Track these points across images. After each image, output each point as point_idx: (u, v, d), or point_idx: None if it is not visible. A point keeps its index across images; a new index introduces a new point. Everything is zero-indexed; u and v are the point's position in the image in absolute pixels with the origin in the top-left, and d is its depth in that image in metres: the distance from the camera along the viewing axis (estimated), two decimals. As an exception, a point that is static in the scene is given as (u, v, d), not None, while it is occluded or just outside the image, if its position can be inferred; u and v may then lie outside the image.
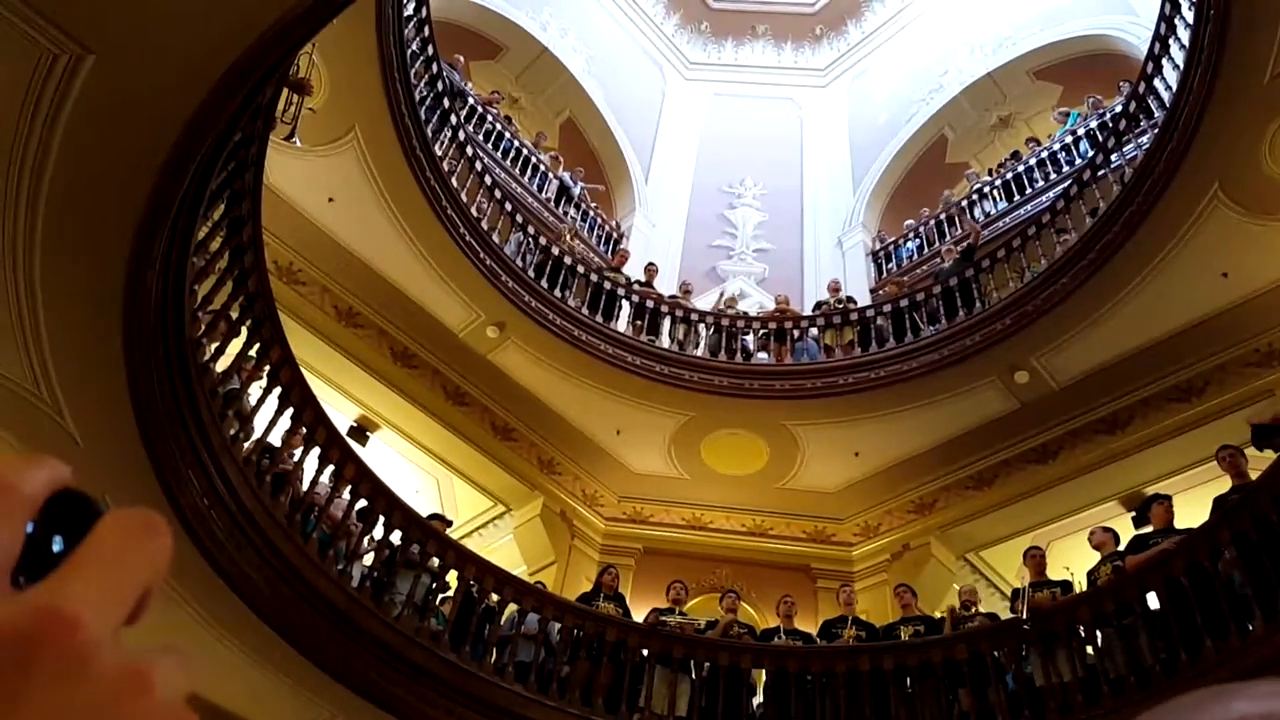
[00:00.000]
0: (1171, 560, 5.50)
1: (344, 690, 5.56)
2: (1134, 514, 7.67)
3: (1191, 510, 6.44)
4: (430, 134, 8.25)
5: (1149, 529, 6.57)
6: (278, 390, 5.85)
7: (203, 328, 5.25)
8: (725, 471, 9.83)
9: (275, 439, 5.90)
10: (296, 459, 5.96)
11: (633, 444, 9.84)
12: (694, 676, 6.63)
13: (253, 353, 5.74)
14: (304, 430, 5.95)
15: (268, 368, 5.79)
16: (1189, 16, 6.93)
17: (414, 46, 8.26)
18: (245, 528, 5.18)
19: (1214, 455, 6.41)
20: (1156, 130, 7.34)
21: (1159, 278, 7.47)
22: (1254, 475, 5.86)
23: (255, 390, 5.91)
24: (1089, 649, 5.82)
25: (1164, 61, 7.72)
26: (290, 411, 5.90)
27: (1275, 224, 6.96)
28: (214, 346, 5.36)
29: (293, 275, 8.39)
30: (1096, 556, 6.75)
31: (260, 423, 5.79)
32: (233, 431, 5.40)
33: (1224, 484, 6.28)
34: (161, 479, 4.80)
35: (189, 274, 4.99)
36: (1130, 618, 5.66)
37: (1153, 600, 5.70)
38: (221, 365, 5.54)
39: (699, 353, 9.65)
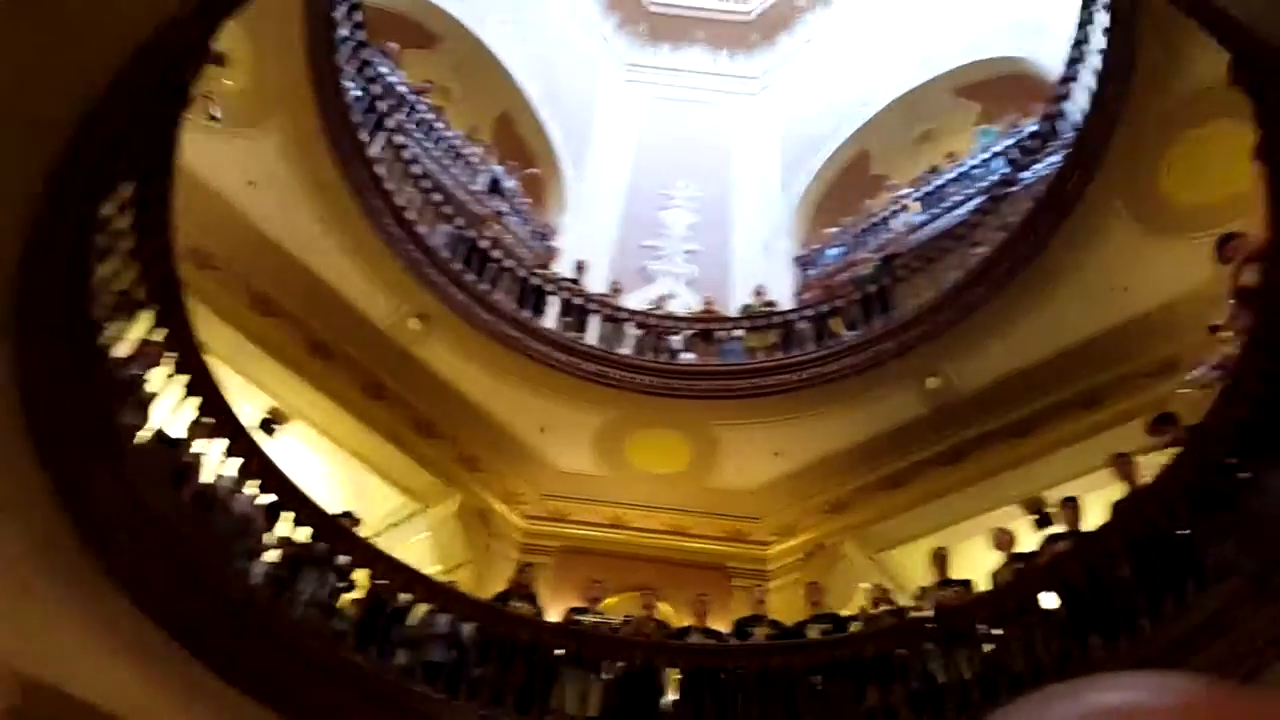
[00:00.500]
0: (1067, 562, 5.73)
1: (240, 694, 5.36)
2: (1036, 516, 7.95)
3: (1089, 515, 6.70)
4: (357, 121, 8.09)
5: (1059, 529, 6.81)
6: (182, 379, 5.65)
7: (105, 310, 5.05)
8: (649, 470, 9.88)
9: (179, 430, 5.70)
10: (200, 452, 5.77)
11: (557, 442, 9.81)
12: (607, 676, 6.63)
13: (157, 338, 5.53)
14: (207, 422, 5.76)
15: (172, 355, 5.60)
16: (1100, 43, 7.22)
17: (344, 30, 8.08)
18: (142, 520, 5.00)
19: (1106, 463, 6.67)
20: (1066, 150, 7.64)
21: (1064, 291, 7.78)
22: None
23: (159, 379, 5.71)
24: (986, 646, 6.00)
25: (1074, 86, 8.02)
26: (194, 402, 5.70)
27: (1173, 242, 7.31)
28: (116, 330, 5.16)
29: (206, 260, 8.12)
30: (998, 557, 6.99)
31: (162, 412, 5.60)
32: (133, 420, 5.21)
33: (1121, 489, 6.55)
34: (49, 465, 4.60)
35: (91, 254, 4.80)
36: (1027, 616, 5.87)
37: (1051, 600, 5.93)
38: (124, 351, 5.34)
39: (626, 351, 9.67)
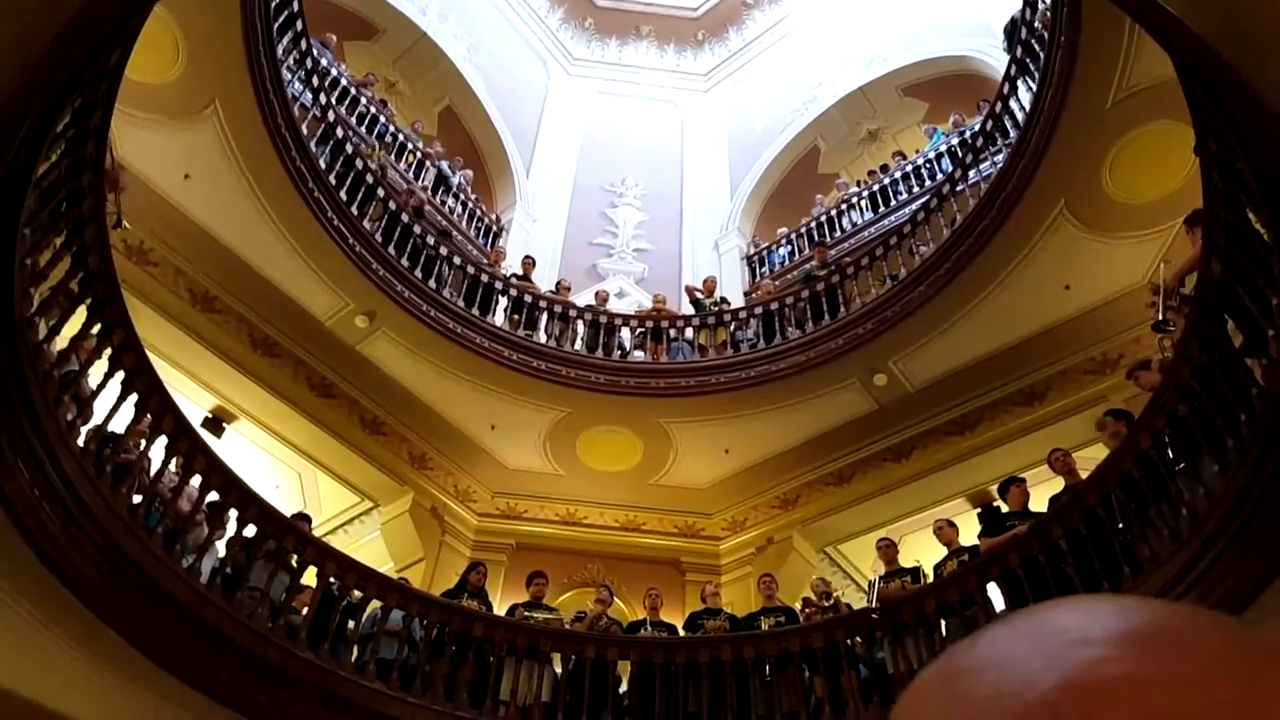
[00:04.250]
0: (1007, 553, 5.87)
1: (194, 693, 5.25)
2: (980, 510, 8.12)
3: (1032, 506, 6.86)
4: (297, 112, 7.91)
5: (1005, 510, 6.96)
6: (120, 375, 5.48)
7: (35, 305, 4.86)
8: (600, 468, 9.87)
9: (118, 427, 5.53)
10: (141, 449, 5.60)
11: (507, 440, 9.74)
12: (559, 670, 6.62)
13: (93, 333, 5.35)
14: (149, 419, 5.60)
15: (109, 351, 5.42)
16: (1043, 40, 7.39)
17: (281, 19, 7.90)
18: (81, 520, 4.83)
19: (1046, 458, 6.85)
20: (1009, 150, 7.81)
21: (1007, 289, 7.96)
22: (1084, 475, 6.31)
23: (97, 375, 5.53)
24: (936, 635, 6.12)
25: (1019, 84, 8.21)
26: (134, 399, 5.53)
27: (1114, 240, 7.53)
28: (48, 326, 4.98)
29: (143, 255, 7.90)
30: (943, 551, 7.13)
31: (101, 410, 5.42)
32: (69, 418, 5.04)
33: (1060, 483, 6.73)
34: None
35: (19, 247, 4.62)
36: (972, 608, 6.00)
37: (995, 590, 6.08)
38: (58, 347, 5.16)
39: (576, 349, 9.64)
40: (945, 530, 7.23)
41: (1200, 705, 0.27)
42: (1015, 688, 0.29)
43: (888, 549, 7.49)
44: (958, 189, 8.68)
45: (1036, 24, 7.78)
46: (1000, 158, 8.18)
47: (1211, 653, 0.29)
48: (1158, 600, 0.32)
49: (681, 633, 7.41)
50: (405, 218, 9.33)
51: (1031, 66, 7.81)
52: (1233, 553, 4.38)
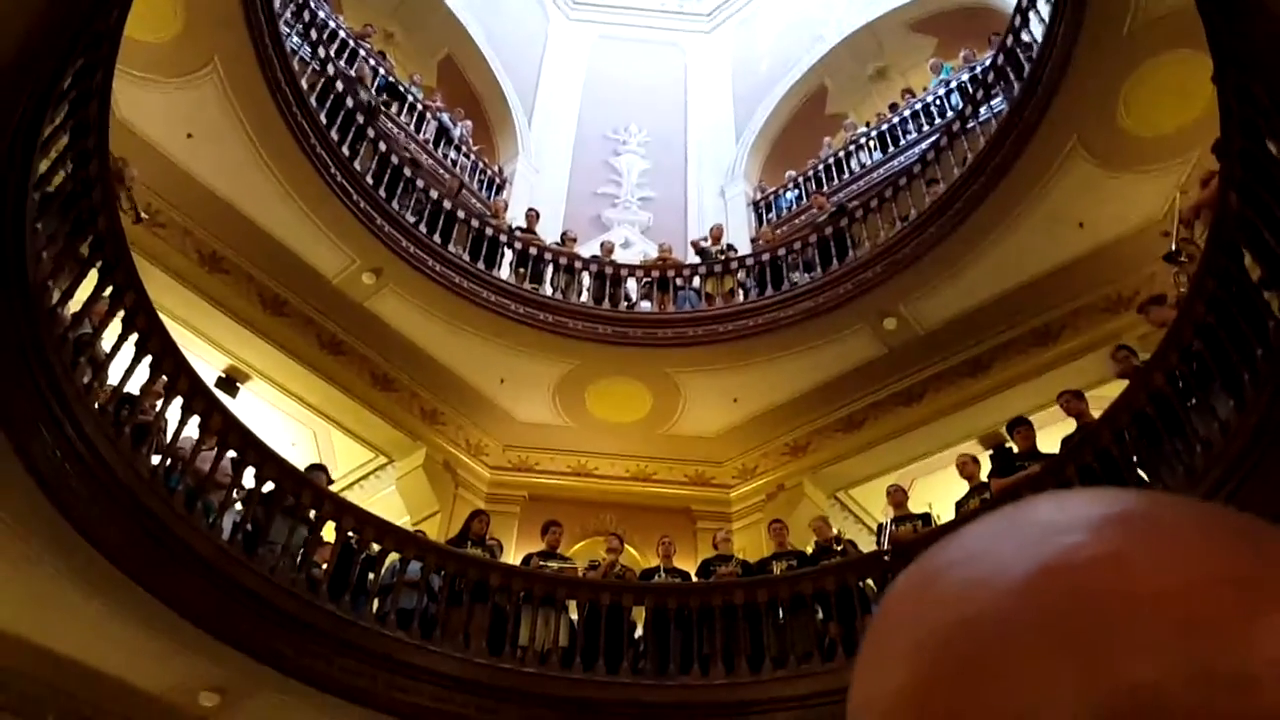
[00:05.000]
0: (1020, 493, 5.89)
1: (220, 645, 5.38)
2: (991, 451, 8.13)
3: (1049, 447, 6.86)
4: (297, 67, 7.82)
5: (1015, 450, 6.98)
6: (134, 338, 5.51)
7: (47, 268, 4.87)
8: (609, 419, 9.92)
9: (133, 388, 5.58)
10: (159, 410, 5.66)
11: (517, 393, 9.79)
12: (575, 617, 6.75)
13: (105, 297, 5.37)
14: (164, 380, 5.64)
15: (122, 313, 5.45)
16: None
17: (278, -27, 7.77)
18: (105, 481, 4.91)
19: (1055, 400, 6.83)
20: (1021, 84, 7.66)
21: (1019, 228, 7.87)
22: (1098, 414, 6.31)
23: (110, 338, 5.56)
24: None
25: (1030, 16, 8.01)
26: (149, 360, 5.57)
27: (1128, 176, 7.41)
28: (60, 290, 5.00)
29: (151, 218, 7.86)
30: (955, 493, 7.18)
31: (117, 372, 5.47)
32: (86, 380, 5.08)
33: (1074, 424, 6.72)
34: (8, 430, 4.48)
35: (29, 210, 4.62)
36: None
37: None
38: (71, 310, 5.18)
39: (582, 300, 9.63)
40: (968, 465, 7.19)
41: (1184, 580, 0.26)
42: (986, 577, 0.28)
43: (897, 494, 7.53)
44: (968, 126, 8.54)
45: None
46: (1013, 92, 8.03)
47: (1195, 532, 0.28)
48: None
49: (694, 579, 7.52)
50: (408, 172, 9.27)
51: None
52: (1249, 487, 4.39)
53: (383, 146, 9.06)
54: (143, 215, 6.15)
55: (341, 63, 10.12)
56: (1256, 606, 0.25)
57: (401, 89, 11.55)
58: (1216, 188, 4.92)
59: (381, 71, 11.31)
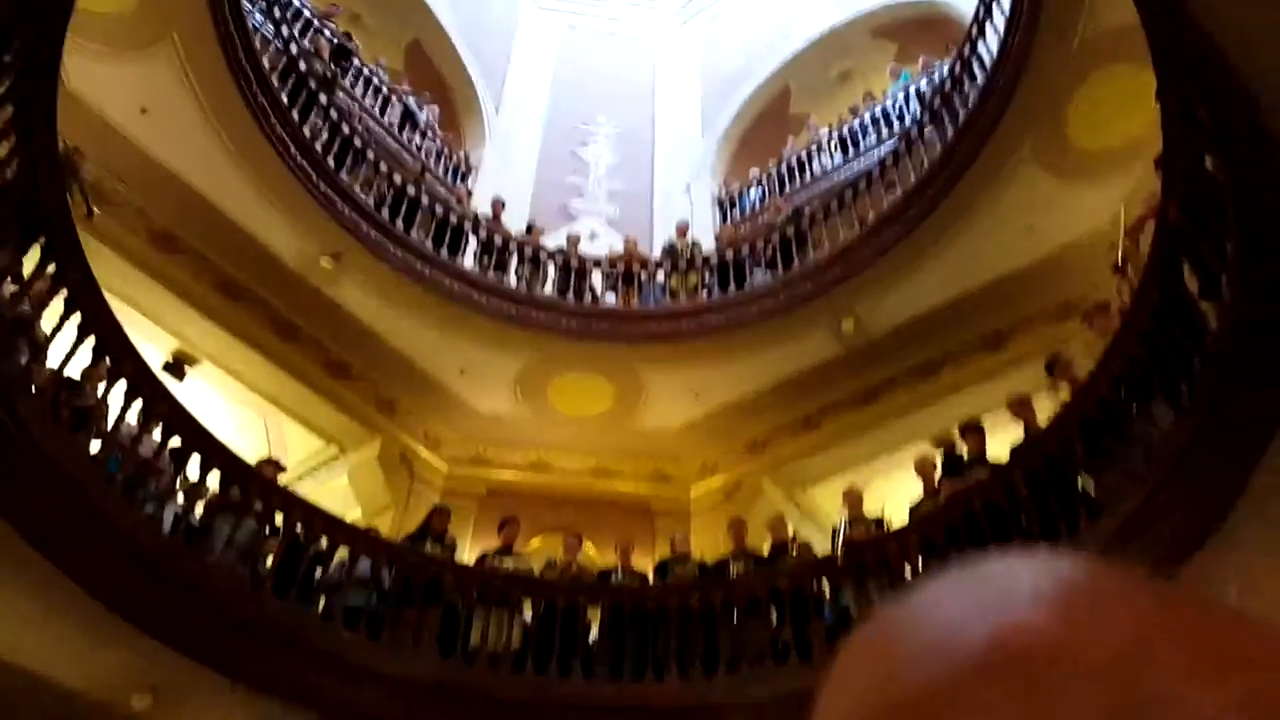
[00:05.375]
0: (970, 496, 5.96)
1: (157, 644, 5.21)
2: (942, 451, 8.19)
3: (995, 448, 6.96)
4: (258, 44, 7.62)
5: (966, 455, 7.05)
6: (77, 318, 5.33)
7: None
8: (571, 413, 9.86)
9: (74, 372, 5.40)
10: (101, 394, 5.48)
11: (477, 384, 9.68)
12: (529, 617, 6.68)
13: (47, 273, 5.18)
14: (108, 362, 5.47)
15: (64, 292, 5.26)
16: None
17: (241, -53, 7.57)
18: (36, 464, 4.73)
19: (1005, 404, 6.92)
20: (976, 92, 7.76)
21: (973, 233, 8.00)
22: (1043, 420, 6.40)
23: (52, 317, 5.37)
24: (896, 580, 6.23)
25: (987, 27, 8.11)
26: (92, 342, 5.39)
27: (1076, 185, 7.57)
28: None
29: (100, 195, 7.62)
30: (910, 493, 7.22)
31: (58, 353, 5.28)
32: (24, 361, 4.90)
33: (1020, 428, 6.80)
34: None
35: (-33, 186, 4.44)
36: (934, 551, 6.10)
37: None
38: (9, 290, 4.99)
39: (546, 293, 9.54)
40: (925, 467, 7.22)
41: (1130, 648, 0.27)
42: (941, 642, 0.29)
43: (851, 496, 7.58)
44: (925, 133, 8.63)
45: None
46: (969, 100, 8.12)
47: (1131, 609, 0.29)
48: (1091, 559, 0.32)
49: (651, 580, 7.49)
50: (371, 155, 9.10)
51: (1001, 6, 7.71)
52: (1186, 489, 4.50)
53: (345, 128, 8.88)
54: (94, 210, 5.95)
55: (305, 41, 9.91)
56: (1198, 673, 0.27)
57: (367, 72, 11.31)
58: (1157, 202, 5.05)
59: (335, 40, 11.02)
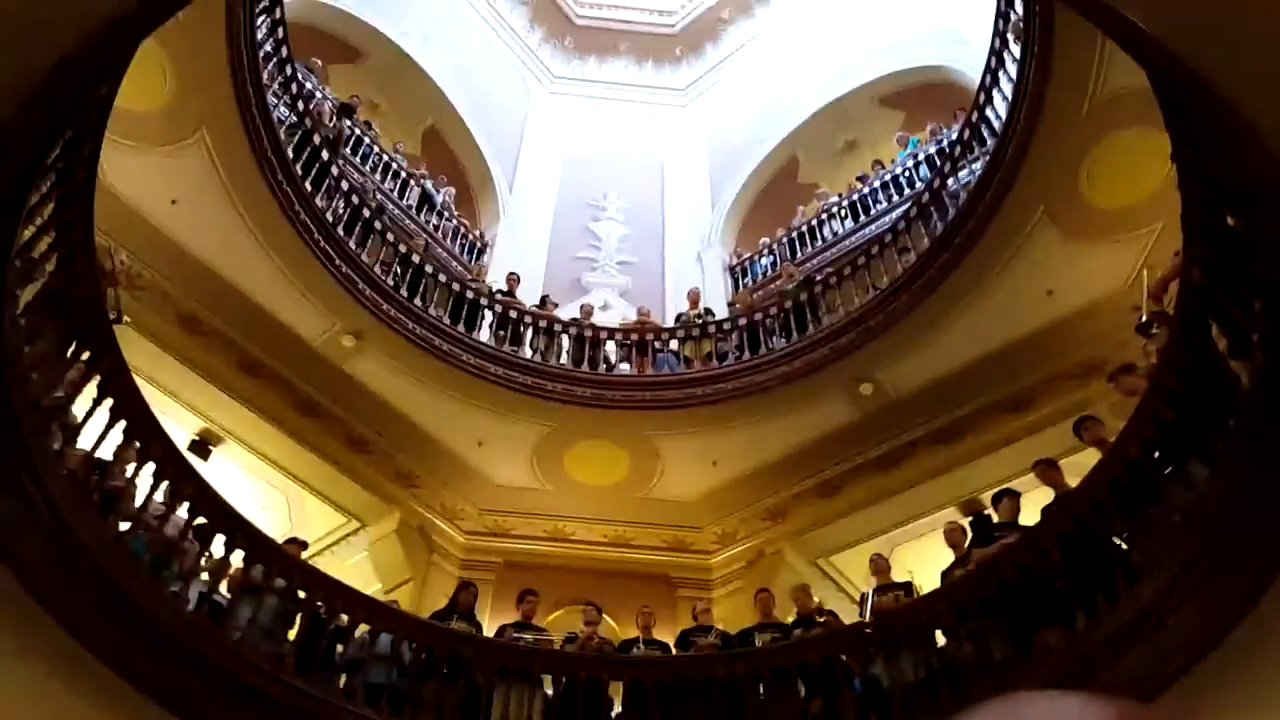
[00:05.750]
0: (1001, 564, 5.86)
1: (178, 720, 5.20)
2: (971, 519, 8.13)
3: (1026, 514, 6.87)
4: (283, 135, 7.92)
5: (996, 520, 6.96)
6: (108, 402, 5.44)
7: (23, 335, 4.83)
8: (588, 482, 9.86)
9: (105, 453, 5.49)
10: (130, 475, 5.57)
11: (494, 456, 9.72)
12: (550, 692, 6.59)
13: (81, 362, 5.32)
14: (137, 445, 5.56)
15: (97, 379, 5.39)
16: (1016, 49, 7.49)
17: (267, 47, 7.93)
18: (66, 547, 4.78)
19: (1030, 468, 6.86)
20: (987, 158, 7.89)
21: (989, 296, 8.02)
22: (1073, 481, 6.34)
23: (84, 401, 5.49)
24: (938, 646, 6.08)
25: (994, 93, 8.28)
26: (122, 425, 5.50)
27: (1093, 246, 7.60)
28: (36, 354, 4.95)
29: (129, 279, 7.83)
30: (937, 559, 7.12)
31: (89, 437, 5.39)
32: (56, 446, 5.00)
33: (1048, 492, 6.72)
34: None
35: (9, 277, 4.60)
36: (969, 622, 5.95)
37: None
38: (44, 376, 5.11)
39: (561, 363, 9.65)
40: (955, 534, 7.11)
41: None
42: None
43: (879, 561, 7.48)
44: (937, 197, 8.76)
45: (1009, 33, 7.89)
46: (979, 165, 8.27)
47: None
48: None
49: (674, 650, 7.38)
50: (391, 237, 9.34)
51: (1008, 73, 7.89)
52: (1226, 554, 4.42)
53: (366, 213, 9.13)
54: (125, 319, 6.14)
55: (327, 131, 10.24)
56: None
57: (386, 157, 11.66)
58: (1180, 263, 5.08)
59: (367, 140, 11.44)
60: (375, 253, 8.94)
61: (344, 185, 8.89)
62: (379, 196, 10.77)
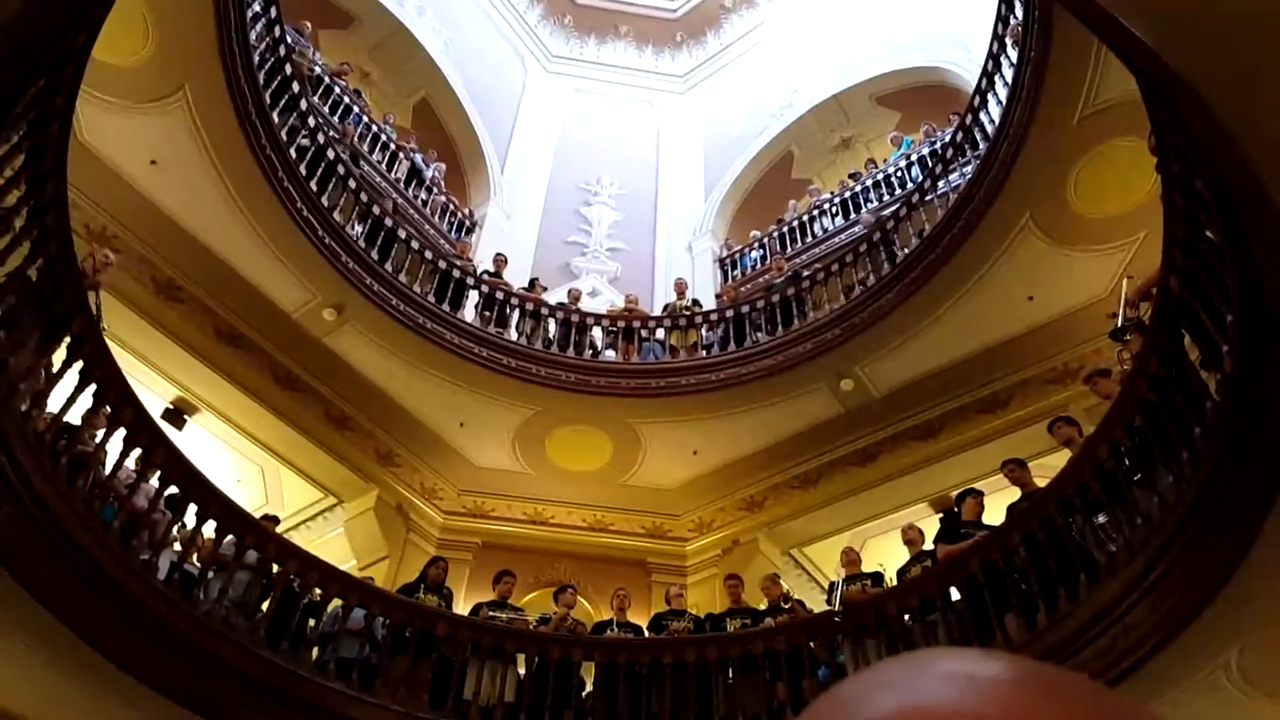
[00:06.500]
0: (968, 559, 5.92)
1: (149, 692, 5.13)
2: (941, 515, 8.18)
3: (994, 514, 6.93)
4: (269, 100, 7.80)
5: (962, 518, 7.02)
6: (79, 365, 5.36)
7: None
8: (569, 467, 9.84)
9: (74, 418, 5.41)
10: (99, 441, 5.49)
11: (476, 437, 9.68)
12: (522, 670, 6.59)
13: (54, 321, 5.23)
14: (108, 410, 5.49)
15: (67, 339, 5.31)
16: (1013, 56, 7.48)
17: (256, 6, 7.79)
18: (35, 513, 4.72)
19: (999, 468, 6.89)
20: (978, 161, 7.89)
21: (973, 298, 8.06)
22: (1042, 482, 6.38)
23: (54, 363, 5.40)
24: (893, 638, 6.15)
25: (989, 98, 8.29)
26: (93, 389, 5.42)
27: (1076, 254, 7.65)
28: (3, 313, 4.86)
29: (106, 242, 7.73)
30: (906, 554, 7.18)
31: (58, 400, 5.31)
32: (24, 408, 4.92)
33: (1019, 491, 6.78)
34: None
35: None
36: (933, 613, 6.04)
37: (954, 594, 6.12)
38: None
39: (547, 347, 9.60)
40: (910, 532, 7.30)
41: None
42: (857, 707, 0.32)
43: (850, 554, 7.54)
44: (927, 198, 8.76)
45: (1008, 39, 7.87)
46: (969, 168, 8.27)
47: (1060, 705, 0.30)
48: (1039, 661, 0.34)
49: (646, 634, 7.40)
50: (377, 210, 9.24)
51: (1004, 79, 7.88)
52: (1186, 559, 4.46)
53: (352, 184, 9.02)
54: (104, 327, 5.99)
55: (316, 98, 10.13)
56: None
57: (376, 128, 11.54)
58: (1158, 273, 5.10)
59: (356, 109, 11.31)
60: (346, 211, 8.75)
61: (330, 154, 8.74)
62: (366, 167, 10.64)
